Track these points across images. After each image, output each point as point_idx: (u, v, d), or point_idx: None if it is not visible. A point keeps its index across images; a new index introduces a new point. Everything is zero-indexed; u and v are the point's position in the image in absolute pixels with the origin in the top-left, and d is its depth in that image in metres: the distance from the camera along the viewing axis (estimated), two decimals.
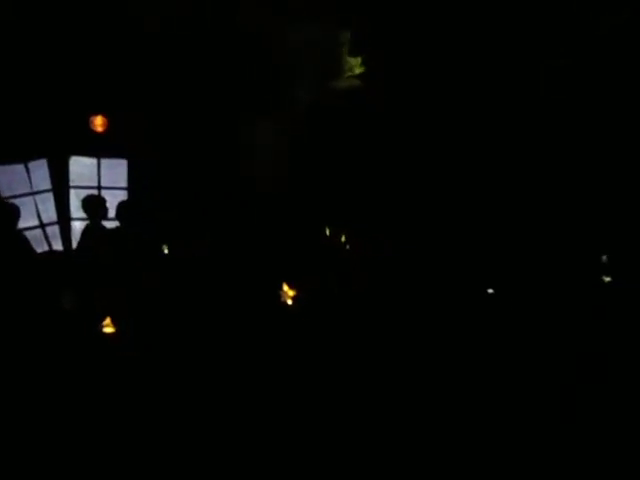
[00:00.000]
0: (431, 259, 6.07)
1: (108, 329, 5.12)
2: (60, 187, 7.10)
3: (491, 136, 7.02)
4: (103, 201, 6.03)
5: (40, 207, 7.05)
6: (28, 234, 6.43)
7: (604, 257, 5.91)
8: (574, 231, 6.32)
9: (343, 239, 6.33)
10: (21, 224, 6.01)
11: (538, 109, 6.96)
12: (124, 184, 7.35)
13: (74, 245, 6.95)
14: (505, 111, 7.03)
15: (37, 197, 7.04)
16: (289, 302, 5.26)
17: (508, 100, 7.02)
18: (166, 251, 5.76)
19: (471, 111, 7.08)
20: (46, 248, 6.96)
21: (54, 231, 7.11)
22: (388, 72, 7.31)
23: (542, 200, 6.72)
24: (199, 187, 7.19)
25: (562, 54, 6.91)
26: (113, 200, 6.31)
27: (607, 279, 5.80)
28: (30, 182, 7.00)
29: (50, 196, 7.11)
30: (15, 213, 5.78)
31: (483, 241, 6.34)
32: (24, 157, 6.96)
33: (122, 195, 7.12)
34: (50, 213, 7.10)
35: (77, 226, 6.97)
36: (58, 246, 7.06)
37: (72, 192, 7.15)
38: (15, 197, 6.75)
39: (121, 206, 6.07)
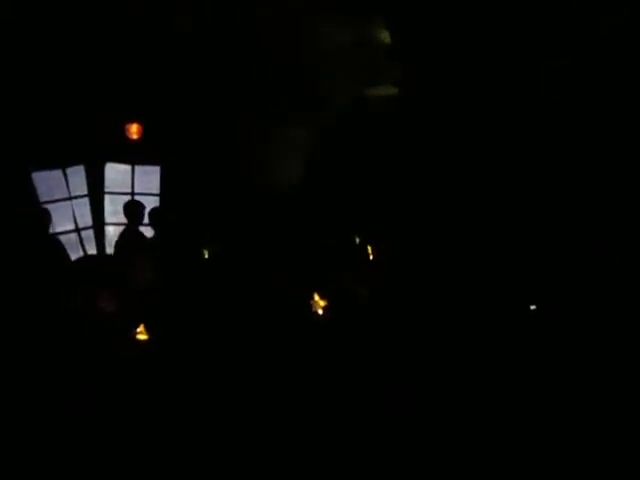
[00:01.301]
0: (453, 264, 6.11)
1: (142, 336, 5.17)
2: (96, 193, 7.26)
3: (497, 137, 7.03)
4: (143, 207, 6.08)
5: (76, 212, 7.21)
6: (64, 237, 6.59)
7: None
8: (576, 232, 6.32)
9: (370, 249, 6.37)
10: (58, 228, 6.15)
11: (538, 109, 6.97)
12: (156, 190, 7.48)
13: (107, 249, 7.12)
14: (505, 111, 7.04)
15: (74, 202, 7.20)
16: (320, 312, 5.31)
17: (508, 100, 7.02)
18: (206, 256, 5.80)
19: (482, 113, 7.09)
20: (80, 251, 7.11)
21: (89, 235, 7.27)
22: (431, 80, 7.25)
23: (550, 202, 6.72)
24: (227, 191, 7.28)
25: (562, 54, 6.88)
26: (146, 206, 6.40)
27: None
28: (68, 187, 7.18)
29: (86, 201, 7.28)
30: (47, 217, 5.83)
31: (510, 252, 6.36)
32: (63, 163, 7.14)
33: (154, 201, 7.24)
34: (85, 218, 7.27)
35: (111, 231, 7.14)
36: (92, 249, 7.22)
37: (107, 197, 7.32)
38: (53, 202, 6.93)
39: (153, 212, 6.13)
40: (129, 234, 6.01)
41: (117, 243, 6.08)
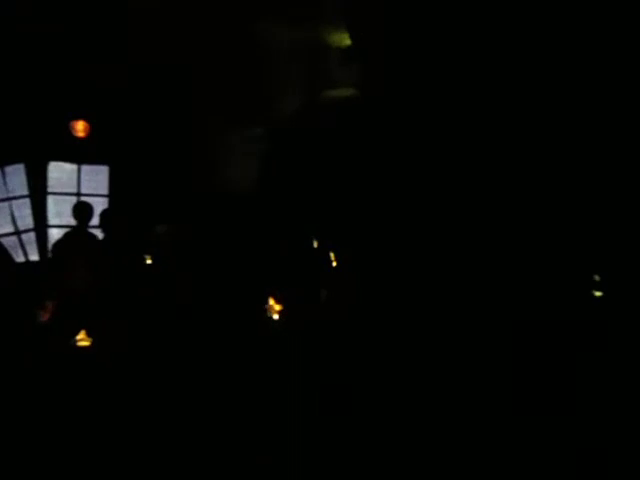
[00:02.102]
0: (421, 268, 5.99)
1: (83, 343, 4.94)
2: (38, 193, 6.92)
3: (491, 138, 6.95)
4: (92, 209, 5.72)
5: (16, 213, 6.89)
6: (3, 241, 6.24)
7: (596, 276, 5.85)
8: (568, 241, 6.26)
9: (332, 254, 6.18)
10: None
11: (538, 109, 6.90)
12: (105, 191, 7.19)
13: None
14: (505, 111, 6.97)
15: (13, 203, 6.87)
16: (275, 316, 5.11)
17: (508, 100, 6.96)
18: (149, 261, 5.57)
19: (471, 113, 7.01)
20: (21, 256, 6.78)
21: (30, 238, 6.94)
22: (387, 80, 7.16)
23: (540, 205, 6.66)
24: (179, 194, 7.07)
25: (559, 55, 6.83)
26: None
27: (598, 294, 5.74)
28: (6, 187, 6.83)
29: (27, 202, 6.94)
30: None
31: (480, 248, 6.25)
32: (1, 162, 6.79)
33: (102, 202, 6.95)
34: (27, 220, 6.93)
35: (54, 233, 6.77)
36: (34, 253, 6.88)
37: (50, 198, 6.99)
38: None
39: (103, 215, 5.84)
40: (77, 236, 5.71)
41: (60, 245, 5.77)
